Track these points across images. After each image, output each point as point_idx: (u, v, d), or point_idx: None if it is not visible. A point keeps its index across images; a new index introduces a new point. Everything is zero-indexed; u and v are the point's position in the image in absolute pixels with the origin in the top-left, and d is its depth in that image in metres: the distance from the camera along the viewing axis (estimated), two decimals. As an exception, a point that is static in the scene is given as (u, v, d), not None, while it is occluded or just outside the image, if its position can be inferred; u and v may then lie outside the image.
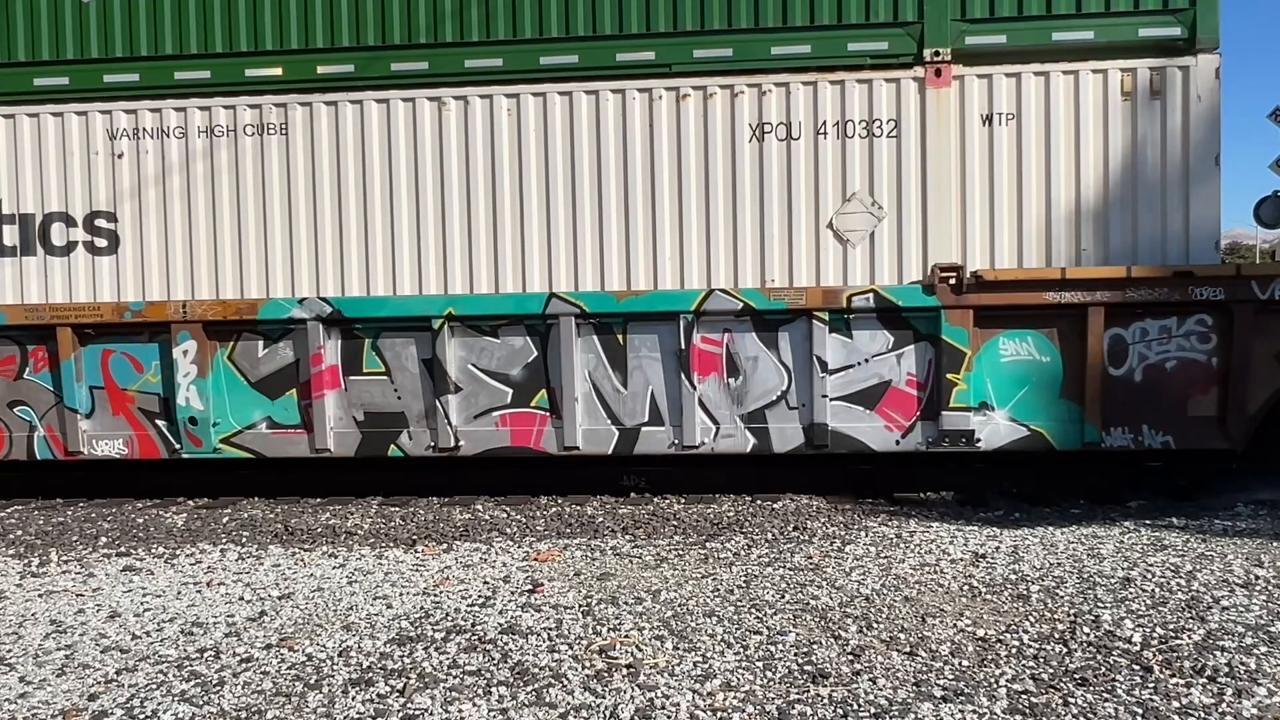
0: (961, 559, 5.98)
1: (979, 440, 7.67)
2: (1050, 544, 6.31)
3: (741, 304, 7.71)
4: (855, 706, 3.79)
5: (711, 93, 7.81)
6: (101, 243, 8.20)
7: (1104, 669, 4.12)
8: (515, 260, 7.98)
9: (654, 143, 7.86)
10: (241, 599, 5.61)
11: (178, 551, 6.90)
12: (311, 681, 4.21)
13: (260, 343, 8.15)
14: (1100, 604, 4.97)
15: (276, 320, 8.04)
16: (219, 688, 4.19)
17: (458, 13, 7.98)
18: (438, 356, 7.95)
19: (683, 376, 7.83)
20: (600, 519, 7.62)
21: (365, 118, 8.03)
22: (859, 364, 7.75)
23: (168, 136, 8.15)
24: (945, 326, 7.57)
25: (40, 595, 5.84)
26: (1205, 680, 3.97)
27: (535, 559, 6.35)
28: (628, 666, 4.25)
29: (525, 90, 7.93)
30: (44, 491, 8.93)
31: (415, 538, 7.20)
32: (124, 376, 8.25)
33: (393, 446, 8.10)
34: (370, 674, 4.27)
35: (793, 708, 3.78)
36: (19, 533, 7.63)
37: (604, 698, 3.94)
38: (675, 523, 7.43)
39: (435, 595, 5.52)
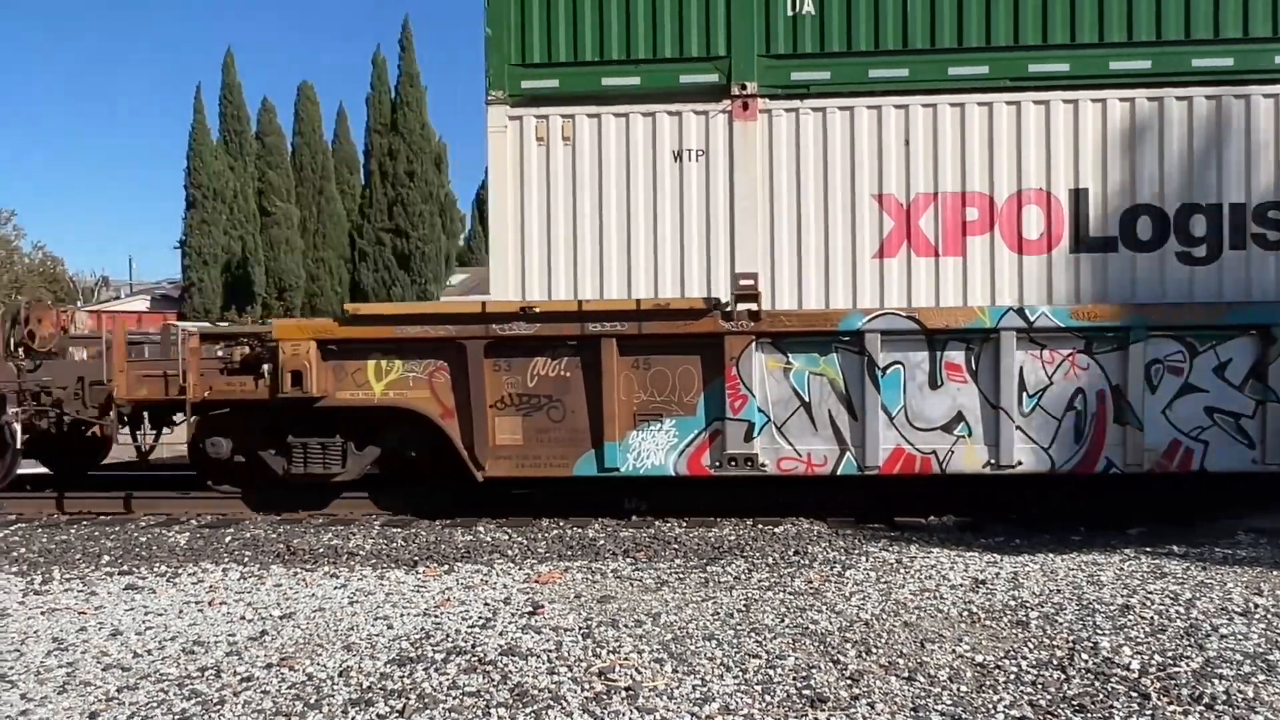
0: (961, 584, 5.99)
1: None
2: (1050, 571, 6.32)
3: None
4: (853, 731, 3.81)
5: None
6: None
7: (1102, 696, 4.13)
8: None
9: None
10: (243, 618, 5.63)
11: (180, 570, 6.92)
12: (312, 701, 4.23)
13: None
14: (1099, 631, 4.98)
15: None
16: (219, 706, 4.21)
17: None
18: None
19: None
20: (601, 541, 7.64)
21: None
22: None
23: None
24: None
25: (43, 613, 5.86)
26: (1203, 708, 3.98)
27: (536, 581, 6.37)
28: (627, 689, 4.26)
29: None
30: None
31: (417, 559, 7.21)
32: None
33: None
34: (370, 694, 4.28)
35: (790, 732, 3.80)
36: (22, 550, 7.65)
37: (603, 720, 3.96)
38: (676, 546, 7.44)
39: (436, 616, 5.54)
